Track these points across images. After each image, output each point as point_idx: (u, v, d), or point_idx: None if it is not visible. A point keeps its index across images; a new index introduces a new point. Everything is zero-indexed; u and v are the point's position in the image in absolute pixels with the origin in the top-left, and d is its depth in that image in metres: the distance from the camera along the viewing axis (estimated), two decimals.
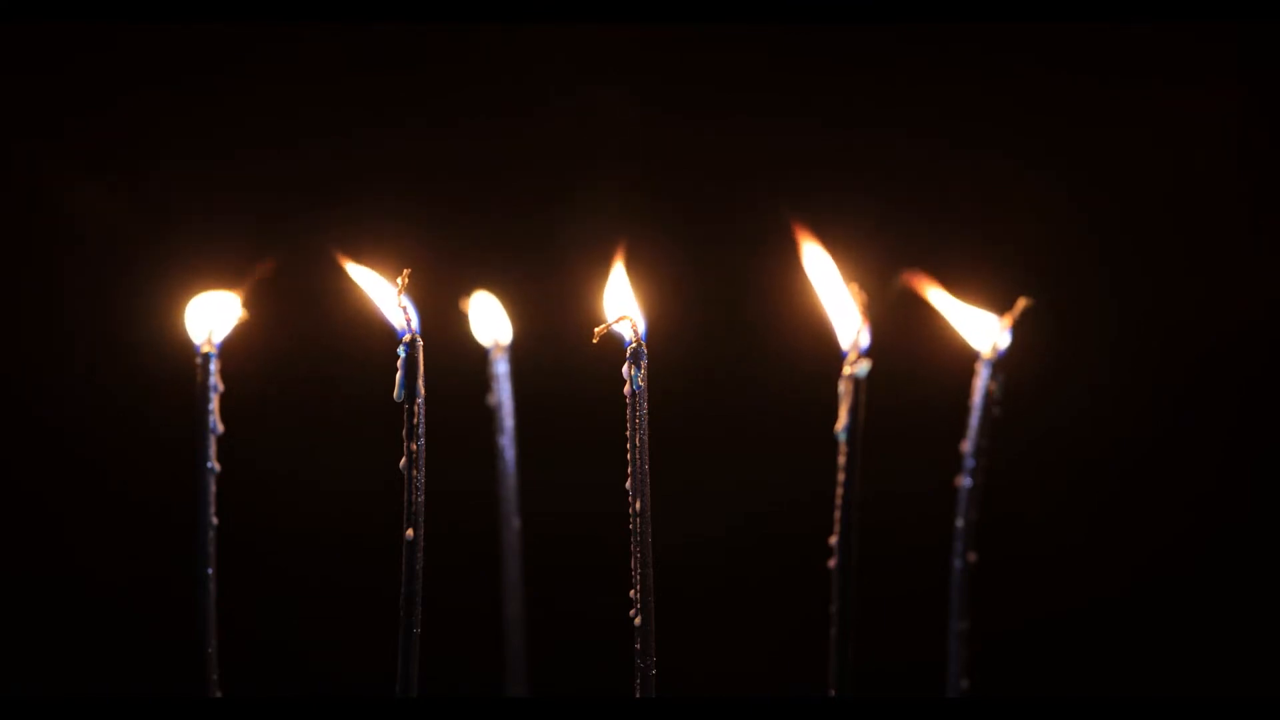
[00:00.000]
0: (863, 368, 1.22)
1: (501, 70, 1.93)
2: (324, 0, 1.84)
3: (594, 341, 1.26)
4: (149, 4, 1.82)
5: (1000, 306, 1.45)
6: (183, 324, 1.35)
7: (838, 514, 1.24)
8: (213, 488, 1.33)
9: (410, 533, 1.25)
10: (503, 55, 1.93)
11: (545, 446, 1.78)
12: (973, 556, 1.44)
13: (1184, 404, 1.92)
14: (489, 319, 1.61)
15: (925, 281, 1.50)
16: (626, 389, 1.25)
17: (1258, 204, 1.89)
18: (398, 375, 1.24)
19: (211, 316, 1.35)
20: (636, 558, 1.25)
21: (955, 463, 1.44)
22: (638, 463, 1.25)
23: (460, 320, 1.63)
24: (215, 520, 1.33)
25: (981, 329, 1.44)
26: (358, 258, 1.37)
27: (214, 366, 1.33)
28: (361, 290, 1.35)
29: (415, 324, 1.26)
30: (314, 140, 1.92)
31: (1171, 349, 1.91)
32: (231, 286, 1.39)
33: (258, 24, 1.87)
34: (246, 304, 1.38)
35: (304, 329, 1.90)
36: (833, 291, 1.32)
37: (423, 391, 1.25)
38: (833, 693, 1.26)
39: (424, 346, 1.25)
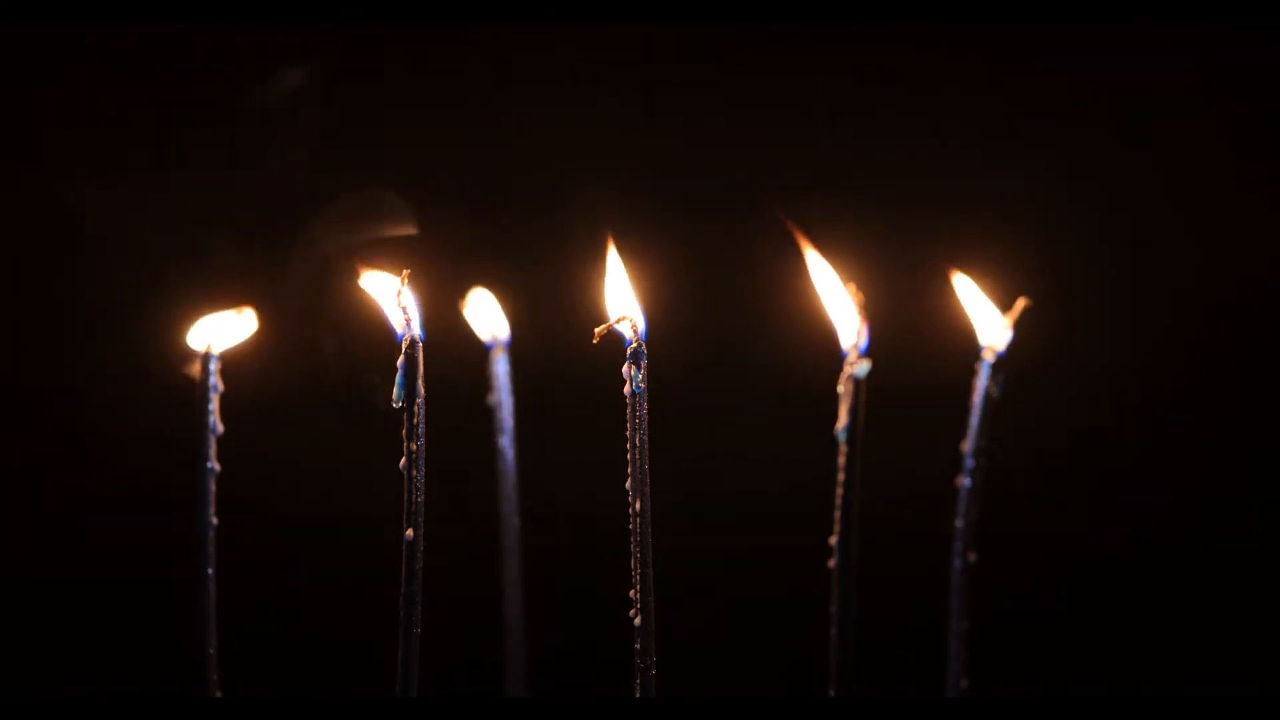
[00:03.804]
0: (862, 368, 1.22)
1: (500, 69, 1.93)
2: (324, 1, 1.84)
3: (594, 342, 1.26)
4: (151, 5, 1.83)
5: (1000, 303, 1.45)
6: (186, 333, 1.35)
7: (838, 514, 1.24)
8: (213, 488, 1.33)
9: (410, 533, 1.25)
10: (503, 55, 1.93)
11: (546, 447, 1.78)
12: (973, 556, 1.44)
13: (1186, 401, 1.92)
14: (488, 315, 1.61)
15: (953, 270, 1.49)
16: (626, 389, 1.25)
17: (1252, 189, 1.89)
18: (396, 377, 1.24)
19: (214, 326, 1.35)
20: (636, 558, 1.25)
21: (955, 463, 1.44)
22: (638, 463, 1.25)
23: (460, 320, 1.63)
24: (215, 520, 1.33)
25: (987, 325, 1.44)
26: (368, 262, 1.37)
27: (214, 366, 1.33)
28: (366, 292, 1.35)
29: (415, 325, 1.26)
30: (314, 141, 1.93)
31: (1170, 344, 1.91)
32: (235, 298, 1.39)
33: (257, 26, 1.87)
34: (244, 304, 1.38)
35: (304, 328, 1.90)
36: (832, 292, 1.33)
37: (422, 392, 1.25)
38: (833, 693, 1.26)
39: (424, 346, 1.25)
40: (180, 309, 1.39)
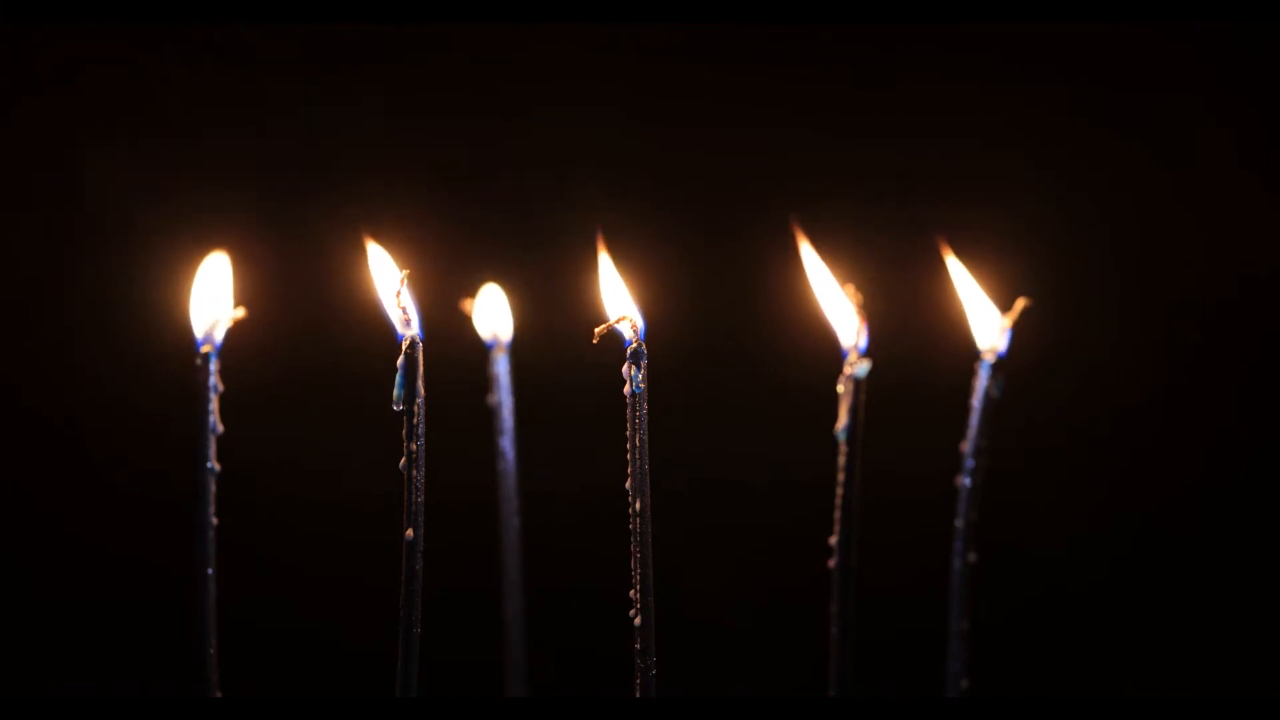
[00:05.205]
0: (862, 368, 1.22)
1: (501, 68, 1.93)
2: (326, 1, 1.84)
3: (594, 342, 1.26)
4: None
5: (999, 303, 1.45)
6: (185, 322, 1.35)
7: (838, 514, 1.24)
8: (213, 488, 1.33)
9: (410, 533, 1.25)
10: (503, 54, 1.93)
11: (546, 447, 1.78)
12: (973, 556, 1.44)
13: (1186, 401, 1.92)
14: (491, 313, 1.61)
15: (953, 260, 1.49)
16: (626, 389, 1.24)
17: (1253, 189, 1.89)
18: (396, 379, 1.24)
19: (212, 315, 1.35)
20: (636, 558, 1.25)
21: (955, 463, 1.44)
22: (638, 463, 1.25)
23: (460, 320, 1.63)
24: (215, 520, 1.33)
25: (986, 324, 1.44)
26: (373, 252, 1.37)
27: (214, 366, 1.33)
28: (369, 284, 1.34)
29: (415, 326, 1.26)
30: (315, 140, 1.93)
31: (1171, 343, 1.91)
32: (231, 283, 1.38)
33: (259, 25, 1.87)
34: (243, 302, 1.38)
35: (304, 327, 1.90)
36: (832, 292, 1.33)
37: (422, 392, 1.25)
38: (833, 693, 1.26)
39: (424, 346, 1.25)
40: (182, 304, 1.38)
